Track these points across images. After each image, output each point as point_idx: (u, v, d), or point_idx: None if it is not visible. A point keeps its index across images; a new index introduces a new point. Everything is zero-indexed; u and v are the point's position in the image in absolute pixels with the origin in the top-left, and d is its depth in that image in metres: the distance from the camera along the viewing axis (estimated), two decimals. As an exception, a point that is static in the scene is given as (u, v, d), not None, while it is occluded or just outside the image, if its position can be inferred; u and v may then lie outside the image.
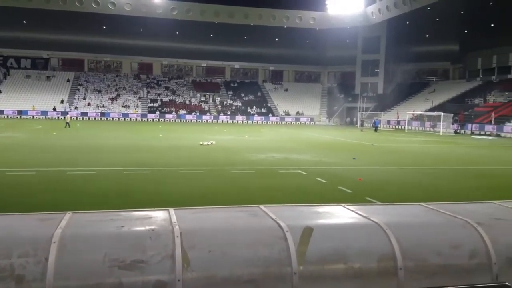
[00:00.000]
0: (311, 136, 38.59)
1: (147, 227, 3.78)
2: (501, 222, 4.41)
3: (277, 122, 68.75)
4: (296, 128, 55.35)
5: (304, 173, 15.91)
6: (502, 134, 44.10)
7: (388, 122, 61.92)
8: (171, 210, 4.30)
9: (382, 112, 61.78)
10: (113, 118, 65.28)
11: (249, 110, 72.21)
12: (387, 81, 74.35)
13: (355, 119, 66.94)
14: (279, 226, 3.94)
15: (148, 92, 73.54)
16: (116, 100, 70.03)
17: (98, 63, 77.93)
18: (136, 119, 65.66)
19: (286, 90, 78.63)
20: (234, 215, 4.40)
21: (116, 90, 72.59)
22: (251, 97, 75.96)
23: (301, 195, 11.67)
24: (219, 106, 72.70)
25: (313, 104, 75.54)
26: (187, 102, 72.74)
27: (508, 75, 60.09)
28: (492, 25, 56.92)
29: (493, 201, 5.44)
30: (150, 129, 42.75)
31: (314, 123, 69.13)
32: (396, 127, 58.89)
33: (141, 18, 65.56)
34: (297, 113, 72.11)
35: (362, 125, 59.77)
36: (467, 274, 3.84)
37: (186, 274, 3.41)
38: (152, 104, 70.53)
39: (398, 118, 59.91)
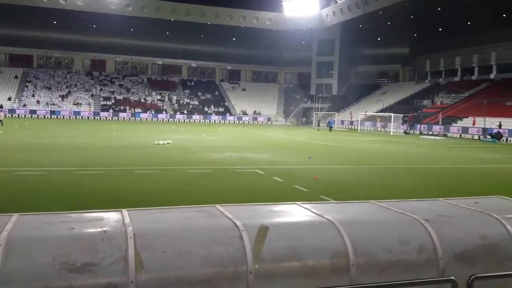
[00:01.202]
0: (268, 136, 38.90)
1: (99, 229, 3.68)
2: (447, 219, 4.63)
3: (234, 122, 68.80)
4: (253, 127, 55.61)
5: (261, 172, 16.01)
6: (449, 134, 46.29)
7: (342, 122, 63.46)
8: (124, 211, 4.21)
9: (336, 113, 63.25)
10: (63, 116, 62.95)
11: (206, 109, 71.79)
12: (341, 82, 76.24)
13: (311, 119, 68.14)
14: (235, 225, 3.95)
15: (101, 89, 71.43)
16: (67, 98, 67.55)
17: (48, 59, 74.83)
18: (88, 118, 63.63)
19: (244, 89, 78.82)
20: (189, 215, 4.36)
21: (67, 87, 70.00)
22: (208, 96, 75.55)
23: (258, 194, 11.74)
24: (176, 105, 71.79)
25: (270, 104, 76.18)
26: (142, 100, 71.31)
27: (454, 78, 63.18)
28: (440, 29, 59.64)
29: (439, 199, 5.71)
30: (103, 128, 41.55)
31: (271, 123, 69.74)
32: (350, 127, 60.46)
33: (93, 14, 63.58)
34: (255, 112, 72.47)
35: (318, 125, 61.00)
36: (416, 269, 4.00)
37: (140, 276, 3.35)
38: (105, 102, 68.56)
39: (351, 118, 61.55)
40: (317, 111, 65.32)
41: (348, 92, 74.72)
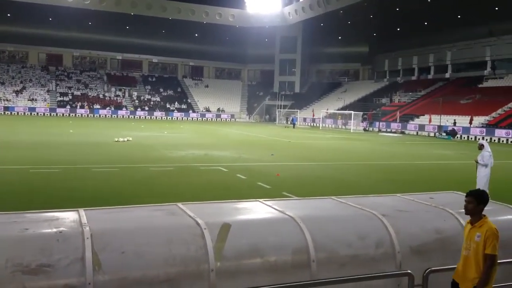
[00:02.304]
0: (231, 133, 38.83)
1: (54, 229, 3.56)
2: (404, 214, 4.78)
3: (197, 119, 68.23)
4: (217, 124, 55.35)
5: (225, 169, 15.97)
6: (406, 132, 47.81)
7: (304, 119, 64.22)
8: (81, 210, 4.09)
9: (298, 110, 63.94)
10: (18, 113, 60.34)
11: (168, 105, 70.76)
12: (303, 80, 77.14)
13: (274, 116, 68.59)
14: (197, 223, 3.92)
15: (57, 85, 68.92)
16: (22, 93, 64.76)
17: (1, 53, 71.46)
18: (44, 114, 61.28)
19: (207, 86, 78.26)
20: (150, 214, 4.29)
21: (21, 82, 67.09)
22: (170, 92, 74.47)
23: (221, 192, 11.70)
24: (136, 101, 70.33)
25: (234, 101, 75.99)
26: (101, 96, 69.38)
27: (412, 77, 65.28)
28: (398, 29, 61.40)
29: (397, 194, 5.89)
30: (60, 125, 40.15)
31: (235, 120, 69.65)
32: (312, 124, 61.31)
33: (50, 6, 61.13)
34: (218, 109, 72.10)
35: (287, 121, 61.69)
36: (374, 263, 4.11)
37: (97, 277, 3.27)
38: (62, 98, 66.21)
39: (313, 116, 62.41)
40: (280, 108, 65.81)
41: (311, 89, 75.71)
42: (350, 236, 4.23)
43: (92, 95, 68.85)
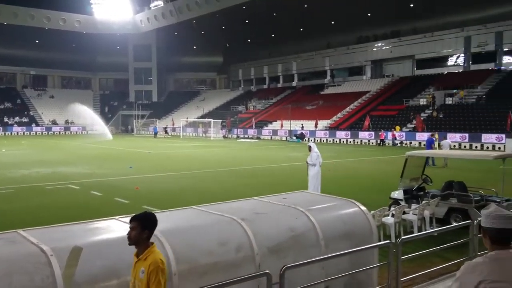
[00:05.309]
0: (83, 146, 36.17)
1: None
2: (261, 216, 4.99)
3: (42, 133, 61.96)
4: (66, 138, 50.99)
5: (76, 187, 14.78)
6: (262, 137, 50.56)
7: (164, 129, 63.24)
8: None
9: (158, 120, 62.75)
10: None
11: (6, 119, 62.80)
12: (161, 89, 76.03)
13: (131, 127, 66.07)
14: (42, 250, 3.55)
15: None
16: None
17: None
18: None
19: (52, 97, 71.64)
20: (-18, 246, 3.71)
21: None
22: (8, 105, 66.26)
23: (72, 212, 10.76)
24: (-34, 116, 60.99)
25: (85, 112, 70.88)
26: None
27: (263, 86, 69.41)
28: (249, 40, 64.68)
29: (254, 197, 6.13)
30: None
31: (87, 132, 65.08)
32: (172, 133, 60.71)
33: None
34: (67, 122, 66.52)
35: (158, 133, 59.64)
36: (235, 268, 4.20)
37: None
38: None
39: (173, 125, 61.89)
40: (138, 118, 63.70)
41: (169, 98, 75.03)
42: (211, 244, 4.25)
43: None
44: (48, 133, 62.30)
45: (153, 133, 55.74)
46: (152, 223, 3.34)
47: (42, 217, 10.14)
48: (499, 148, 31.84)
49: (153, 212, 3.55)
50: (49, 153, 29.43)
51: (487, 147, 33.00)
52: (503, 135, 32.50)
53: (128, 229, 3.33)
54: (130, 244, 3.32)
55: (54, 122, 65.42)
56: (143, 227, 3.26)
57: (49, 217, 10.14)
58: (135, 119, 63.62)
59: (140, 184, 15.14)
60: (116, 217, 4.69)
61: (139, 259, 3.27)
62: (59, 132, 63.23)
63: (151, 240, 3.37)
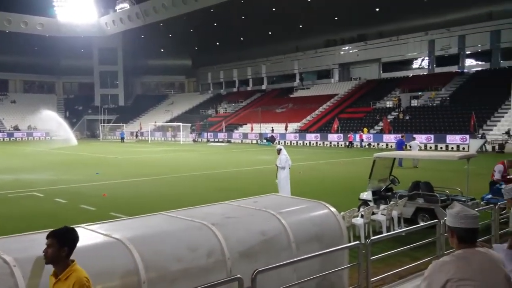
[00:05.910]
0: (46, 152, 35.07)
1: None
2: (232, 220, 4.94)
3: (4, 139, 59.76)
4: (28, 144, 49.32)
5: (40, 194, 14.30)
6: (232, 140, 50.42)
7: (132, 133, 62.20)
8: None
9: (125, 124, 61.64)
10: None
11: (-35, 126, 60.34)
12: (127, 93, 74.78)
13: (97, 132, 64.59)
14: (4, 261, 3.41)
15: None
16: None
17: None
18: None
19: (14, 102, 69.28)
20: None
21: None
22: (-34, 110, 63.67)
23: (36, 221, 10.40)
24: None
25: (50, 117, 68.75)
26: None
27: (233, 89, 69.37)
28: (218, 43, 64.49)
29: (225, 202, 6.07)
30: None
31: (51, 138, 63.11)
32: (140, 138, 59.77)
33: None
34: (29, 127, 64.39)
35: (137, 137, 58.50)
36: (205, 274, 4.13)
37: None
38: None
39: (141, 129, 60.93)
40: (104, 123, 62.35)
41: (136, 102, 73.85)
42: (181, 250, 4.17)
43: None
44: (10, 139, 60.17)
45: (120, 138, 54.63)
46: (72, 240, 3.08)
47: (4, 227, 9.73)
48: (463, 148, 32.97)
49: (73, 227, 3.35)
50: (11, 160, 28.40)
51: (452, 148, 34.10)
52: (467, 136, 33.66)
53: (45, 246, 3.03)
54: (46, 263, 3.05)
55: (16, 128, 63.24)
56: (61, 244, 2.99)
57: (11, 226, 9.74)
58: (101, 123, 62.28)
59: (107, 191, 14.79)
60: (82, 225, 4.54)
61: (59, 279, 2.98)
62: (22, 138, 61.18)
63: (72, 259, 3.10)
